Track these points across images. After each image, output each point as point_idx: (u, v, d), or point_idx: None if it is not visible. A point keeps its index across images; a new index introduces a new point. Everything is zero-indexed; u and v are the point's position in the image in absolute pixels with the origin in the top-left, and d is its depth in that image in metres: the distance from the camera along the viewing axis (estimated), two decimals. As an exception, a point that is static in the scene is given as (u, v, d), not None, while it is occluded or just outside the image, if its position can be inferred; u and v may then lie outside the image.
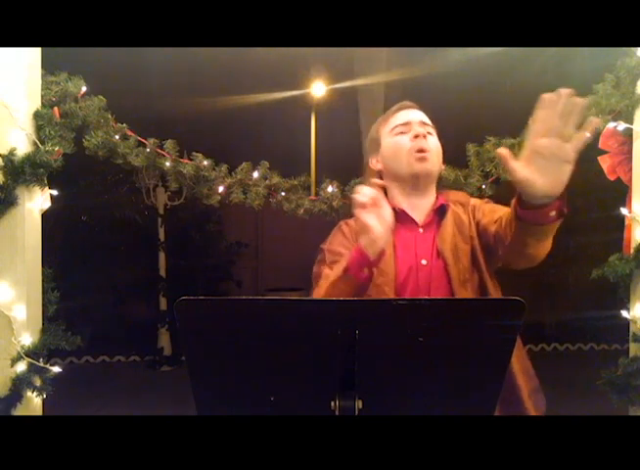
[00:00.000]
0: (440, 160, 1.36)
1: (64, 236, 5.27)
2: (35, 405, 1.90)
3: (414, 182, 1.33)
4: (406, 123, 1.34)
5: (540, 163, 0.93)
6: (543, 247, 1.13)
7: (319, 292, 1.21)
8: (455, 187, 2.28)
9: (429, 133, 1.34)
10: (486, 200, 1.42)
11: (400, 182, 1.35)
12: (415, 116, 1.37)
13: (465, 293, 1.25)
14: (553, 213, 1.00)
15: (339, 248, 1.32)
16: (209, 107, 4.27)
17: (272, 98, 4.32)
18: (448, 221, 1.32)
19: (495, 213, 1.28)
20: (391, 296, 1.25)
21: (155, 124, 2.55)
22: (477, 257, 1.29)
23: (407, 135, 1.33)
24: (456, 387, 0.83)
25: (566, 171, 0.93)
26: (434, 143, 1.34)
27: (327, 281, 1.19)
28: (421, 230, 1.33)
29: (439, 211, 1.34)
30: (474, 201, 1.39)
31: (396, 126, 1.35)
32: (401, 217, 1.33)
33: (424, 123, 1.36)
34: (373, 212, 1.06)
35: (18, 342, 1.82)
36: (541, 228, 1.04)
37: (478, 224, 1.32)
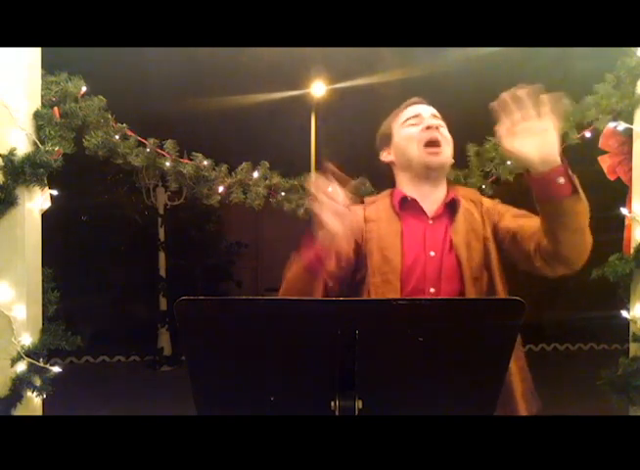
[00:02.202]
0: (452, 151, 1.37)
1: (64, 236, 5.27)
2: (35, 405, 1.89)
3: (427, 173, 1.34)
4: (417, 116, 1.36)
5: (520, 138, 1.05)
6: (576, 242, 1.14)
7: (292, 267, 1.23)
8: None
9: (440, 126, 1.35)
10: (497, 201, 1.41)
11: (412, 172, 1.36)
12: (426, 109, 1.39)
13: (474, 291, 1.25)
14: (562, 180, 1.05)
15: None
16: (210, 107, 4.27)
17: (272, 98, 4.31)
18: (461, 217, 1.32)
19: (520, 220, 1.29)
20: (396, 284, 1.25)
21: (155, 124, 2.55)
22: (489, 256, 1.29)
23: (418, 127, 1.34)
24: (456, 387, 0.83)
25: (546, 138, 1.04)
26: (446, 134, 1.35)
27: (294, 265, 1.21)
28: (431, 222, 1.33)
29: (450, 205, 1.34)
30: (486, 201, 1.39)
31: (408, 119, 1.37)
32: (411, 206, 1.34)
33: (434, 116, 1.37)
34: (331, 209, 1.05)
35: (18, 342, 1.82)
36: (562, 206, 1.07)
37: (495, 227, 1.32)
